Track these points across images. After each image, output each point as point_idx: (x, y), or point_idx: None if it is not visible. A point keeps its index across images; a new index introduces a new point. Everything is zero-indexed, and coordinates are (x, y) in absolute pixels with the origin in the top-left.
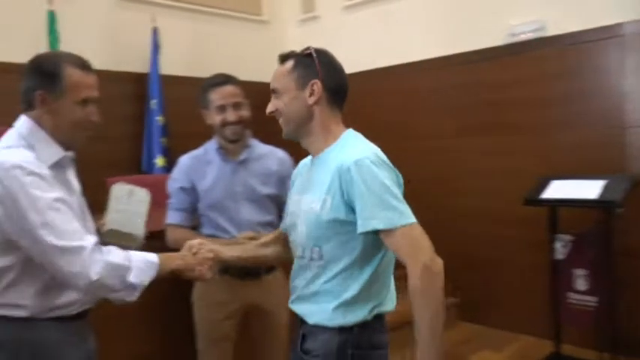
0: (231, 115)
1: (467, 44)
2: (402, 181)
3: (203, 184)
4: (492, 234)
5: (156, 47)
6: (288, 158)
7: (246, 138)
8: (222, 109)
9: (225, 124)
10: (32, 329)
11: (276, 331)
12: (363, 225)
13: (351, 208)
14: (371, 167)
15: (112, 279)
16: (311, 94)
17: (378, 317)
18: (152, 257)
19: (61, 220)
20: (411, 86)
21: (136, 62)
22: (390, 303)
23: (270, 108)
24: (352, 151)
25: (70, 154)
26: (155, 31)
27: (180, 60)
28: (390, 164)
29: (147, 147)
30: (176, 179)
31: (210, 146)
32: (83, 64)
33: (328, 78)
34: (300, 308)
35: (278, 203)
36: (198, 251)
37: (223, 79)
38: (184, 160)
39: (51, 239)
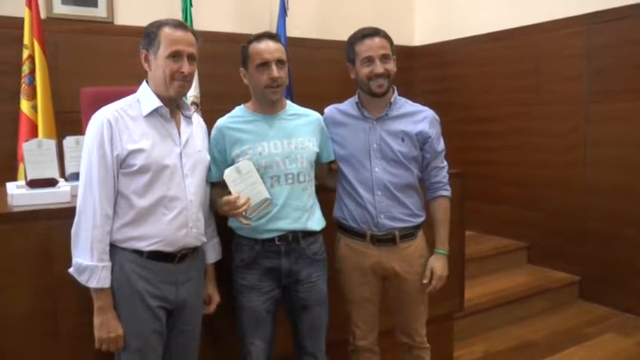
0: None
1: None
2: None
3: None
4: (628, 211)
5: (283, 10)
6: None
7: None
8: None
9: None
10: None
11: (412, 296)
12: None
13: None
14: None
15: None
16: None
17: None
18: None
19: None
20: (540, 49)
21: (264, 26)
22: None
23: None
24: None
25: (190, 113)
26: None
27: (307, 23)
28: None
29: None
30: None
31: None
32: (178, 24)
33: None
34: None
35: None
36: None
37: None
38: None
39: None
